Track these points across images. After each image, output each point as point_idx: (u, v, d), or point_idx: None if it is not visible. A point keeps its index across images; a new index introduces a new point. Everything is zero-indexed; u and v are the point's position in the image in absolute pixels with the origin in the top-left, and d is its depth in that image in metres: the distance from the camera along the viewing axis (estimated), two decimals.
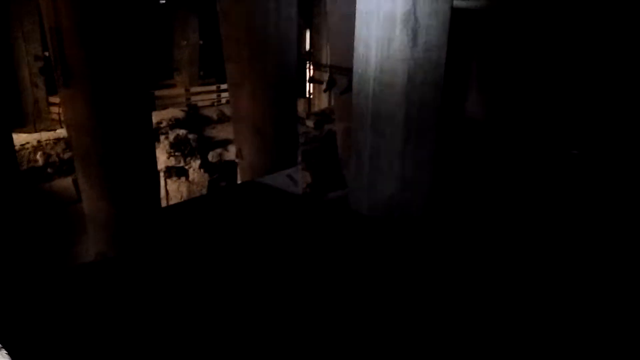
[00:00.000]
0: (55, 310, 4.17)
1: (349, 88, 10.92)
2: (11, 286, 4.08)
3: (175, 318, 3.85)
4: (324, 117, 16.30)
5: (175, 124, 13.74)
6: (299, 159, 11.47)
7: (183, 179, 12.66)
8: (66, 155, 12.01)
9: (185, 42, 21.13)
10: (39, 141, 12.24)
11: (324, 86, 14.12)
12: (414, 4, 4.77)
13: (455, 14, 5.31)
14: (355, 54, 5.49)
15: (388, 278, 4.36)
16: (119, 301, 4.09)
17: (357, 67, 5.42)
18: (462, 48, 10.64)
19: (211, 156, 13.04)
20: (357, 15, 5.30)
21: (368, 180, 5.32)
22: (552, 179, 10.08)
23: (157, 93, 18.28)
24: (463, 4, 5.13)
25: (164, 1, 21.31)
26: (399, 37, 4.88)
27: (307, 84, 20.23)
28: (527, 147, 11.44)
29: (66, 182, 12.10)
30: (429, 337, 3.91)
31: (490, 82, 12.26)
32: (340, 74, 11.95)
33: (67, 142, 11.70)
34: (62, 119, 13.59)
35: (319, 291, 4.17)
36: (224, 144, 13.43)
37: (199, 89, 20.61)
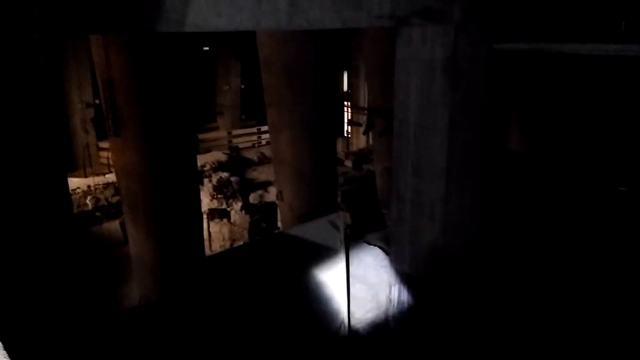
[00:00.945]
0: (97, 351, 4.25)
1: (387, 130, 11.01)
2: (62, 327, 4.20)
3: None
4: (362, 157, 16.37)
5: (218, 166, 14.09)
6: (339, 200, 11.49)
7: (225, 220, 12.86)
8: (114, 200, 12.46)
9: (227, 87, 21.85)
10: (89, 186, 12.76)
11: (362, 128, 14.26)
12: (454, 50, 4.81)
13: (495, 56, 5.32)
14: (395, 98, 5.54)
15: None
16: (157, 346, 4.13)
17: (397, 111, 5.45)
18: (503, 88, 10.57)
19: (252, 198, 13.24)
20: (396, 62, 5.38)
21: (410, 224, 5.26)
22: (599, 216, 9.71)
23: (201, 136, 18.85)
24: (503, 47, 5.13)
25: (207, 48, 22.23)
26: (440, 83, 4.91)
27: (345, 125, 20.46)
28: (573, 183, 11.11)
29: (114, 226, 12.50)
30: None
31: (530, 116, 12.09)
32: (378, 116, 12.05)
33: (115, 186, 12.15)
34: (111, 163, 14.15)
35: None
36: (265, 185, 13.63)
37: (240, 131, 21.15)
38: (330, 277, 5.14)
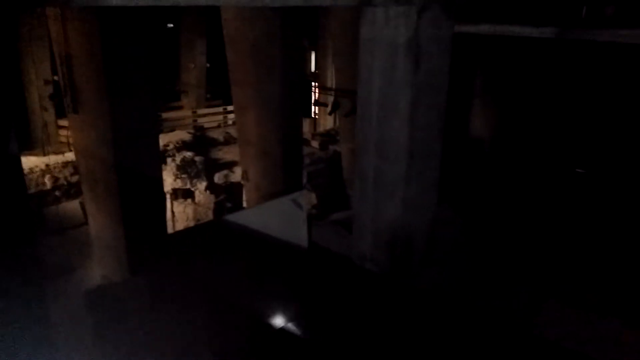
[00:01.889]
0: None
1: (353, 110, 11.04)
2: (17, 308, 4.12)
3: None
4: (329, 137, 16.40)
5: (182, 146, 13.88)
6: (305, 180, 11.52)
7: (189, 200, 12.72)
8: (74, 179, 12.13)
9: (192, 65, 21.41)
10: (47, 164, 12.39)
11: (328, 108, 14.25)
12: (417, 31, 4.85)
13: (457, 38, 5.39)
14: (359, 78, 5.56)
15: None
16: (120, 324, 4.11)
17: (361, 91, 5.48)
18: (465, 72, 10.73)
19: (217, 178, 13.12)
20: (360, 41, 5.39)
21: (373, 204, 5.34)
22: (557, 197, 10.08)
23: (165, 115, 18.47)
24: (465, 29, 5.20)
25: (171, 25, 21.67)
26: (402, 63, 4.95)
27: (312, 106, 20.39)
28: (531, 166, 11.45)
29: (73, 205, 12.20)
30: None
31: (493, 103, 12.33)
32: (345, 97, 12.07)
33: (74, 165, 11.83)
34: (70, 142, 13.75)
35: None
36: (230, 165, 13.52)
37: (205, 111, 20.81)
38: (290, 256, 5.18)
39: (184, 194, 12.71)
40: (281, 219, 4.98)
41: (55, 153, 14.13)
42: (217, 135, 16.23)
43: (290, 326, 4.78)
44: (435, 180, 5.38)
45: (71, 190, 12.33)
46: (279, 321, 4.87)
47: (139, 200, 7.38)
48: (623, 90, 11.24)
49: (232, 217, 4.68)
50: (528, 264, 6.73)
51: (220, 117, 20.29)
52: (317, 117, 21.69)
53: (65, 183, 12.39)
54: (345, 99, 12.01)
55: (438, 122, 5.30)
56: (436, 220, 5.50)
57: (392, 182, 5.23)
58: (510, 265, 6.42)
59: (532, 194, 10.01)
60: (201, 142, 14.81)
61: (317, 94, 19.87)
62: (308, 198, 11.64)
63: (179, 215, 12.78)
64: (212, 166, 13.34)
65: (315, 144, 15.79)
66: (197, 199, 12.75)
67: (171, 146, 13.72)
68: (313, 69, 22.88)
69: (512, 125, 12.29)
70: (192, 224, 12.49)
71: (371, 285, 4.71)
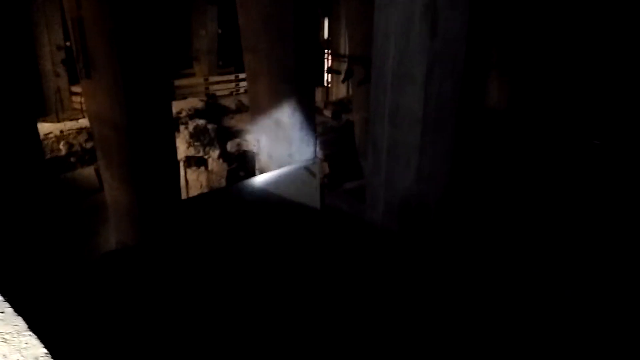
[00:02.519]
0: (76, 298, 4.29)
1: (367, 79, 10.90)
2: (36, 275, 4.21)
3: (182, 312, 3.92)
4: (342, 106, 16.27)
5: (194, 113, 13.86)
6: (317, 149, 11.48)
7: (202, 168, 12.79)
8: (89, 145, 12.22)
9: (203, 32, 21.21)
10: (61, 131, 12.47)
11: (342, 76, 14.08)
12: None
13: (476, 3, 5.24)
14: (373, 45, 5.46)
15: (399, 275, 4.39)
16: (135, 291, 4.19)
17: (375, 58, 5.39)
18: (483, 39, 10.50)
19: (230, 146, 13.14)
20: (375, 5, 5.27)
21: (385, 172, 5.32)
22: (573, 169, 9.95)
23: (177, 83, 18.42)
24: None
25: None
26: (418, 29, 4.84)
27: (325, 74, 20.16)
28: (548, 137, 11.29)
29: (88, 172, 12.33)
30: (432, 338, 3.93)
31: (510, 72, 12.10)
32: (359, 64, 11.90)
33: (89, 132, 11.90)
34: (84, 108, 13.79)
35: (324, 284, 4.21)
36: (243, 134, 13.51)
37: (217, 78, 20.71)
38: (303, 222, 5.20)
39: (197, 162, 12.78)
40: (294, 185, 4.98)
41: (70, 119, 14.22)
42: (230, 103, 16.17)
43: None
44: (450, 151, 5.33)
45: (86, 157, 12.45)
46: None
47: (152, 167, 7.42)
48: None
49: (245, 184, 4.69)
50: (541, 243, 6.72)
51: (233, 84, 20.19)
52: (330, 85, 21.48)
53: (79, 149, 12.49)
54: (358, 67, 11.85)
55: (454, 91, 5.21)
56: (449, 190, 5.47)
57: (405, 152, 5.19)
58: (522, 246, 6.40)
59: (547, 166, 9.89)
60: (213, 109, 14.77)
61: (330, 62, 19.62)
62: (320, 167, 11.64)
63: (193, 183, 12.87)
64: (224, 134, 13.34)
65: (327, 112, 15.68)
66: (210, 167, 12.81)
67: (184, 114, 13.71)
68: (326, 35, 22.54)
69: (529, 97, 12.07)
70: (205, 191, 12.60)
71: (382, 248, 4.74)
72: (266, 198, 4.90)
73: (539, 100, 12.04)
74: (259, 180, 5.39)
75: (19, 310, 1.50)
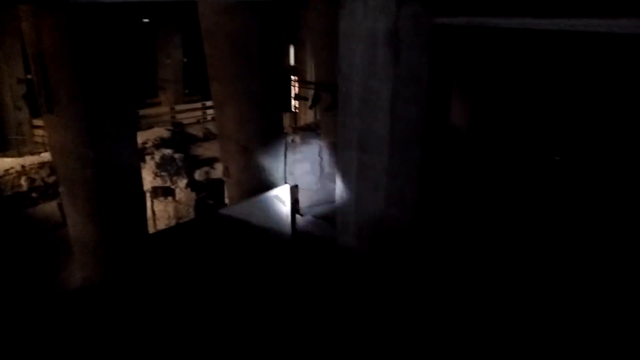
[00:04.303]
0: (39, 336, 4.11)
1: (334, 105, 10.99)
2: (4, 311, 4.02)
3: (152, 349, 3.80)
4: (310, 131, 16.34)
5: (160, 143, 13.67)
6: (287, 174, 11.45)
7: (170, 198, 12.57)
8: (51, 179, 11.88)
9: (168, 60, 21.13)
10: (23, 166, 12.09)
11: (309, 102, 14.18)
12: (396, 22, 4.83)
13: (436, 30, 5.38)
14: (339, 72, 5.53)
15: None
16: (102, 327, 4.04)
17: (342, 85, 5.45)
18: (445, 63, 10.75)
19: (198, 175, 12.98)
20: (339, 34, 5.35)
21: (355, 197, 5.33)
22: (536, 185, 10.21)
23: (142, 112, 18.21)
24: (444, 21, 5.19)
25: (147, 20, 21.34)
26: (382, 56, 4.93)
27: (293, 100, 20.30)
28: (511, 155, 11.58)
29: (51, 207, 11.96)
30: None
31: (472, 93, 12.42)
32: (325, 90, 12.01)
33: (51, 166, 11.58)
34: (46, 142, 13.45)
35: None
36: (211, 162, 13.37)
37: (184, 106, 20.58)
38: (276, 252, 5.15)
39: (164, 192, 12.56)
40: (264, 214, 4.94)
41: (31, 153, 13.83)
42: (197, 131, 16.03)
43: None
44: (418, 173, 5.39)
45: (48, 191, 12.08)
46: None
47: (118, 200, 7.26)
48: (600, 77, 11.41)
49: (214, 215, 4.61)
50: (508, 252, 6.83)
51: (199, 112, 20.09)
52: (297, 111, 21.61)
53: (42, 184, 12.12)
54: (325, 93, 11.96)
55: (419, 115, 5.30)
56: (419, 211, 5.52)
57: (374, 176, 5.22)
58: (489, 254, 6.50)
59: (510, 181, 10.13)
60: (180, 138, 14.61)
61: (297, 88, 19.78)
62: (291, 193, 11.59)
63: (160, 214, 12.62)
64: (192, 163, 13.19)
65: (296, 138, 15.71)
66: (177, 197, 12.60)
67: (150, 144, 13.50)
68: (292, 62, 22.78)
69: (491, 116, 12.39)
70: (173, 222, 12.36)
71: (356, 271, 4.71)
72: (236, 228, 4.83)
73: (501, 120, 12.37)
74: (227, 211, 5.32)
75: None
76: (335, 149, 7.49)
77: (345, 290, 5.00)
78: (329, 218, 6.31)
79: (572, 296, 4.98)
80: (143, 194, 8.05)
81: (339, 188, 5.68)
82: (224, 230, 4.74)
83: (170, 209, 12.53)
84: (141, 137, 13.13)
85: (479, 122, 12.55)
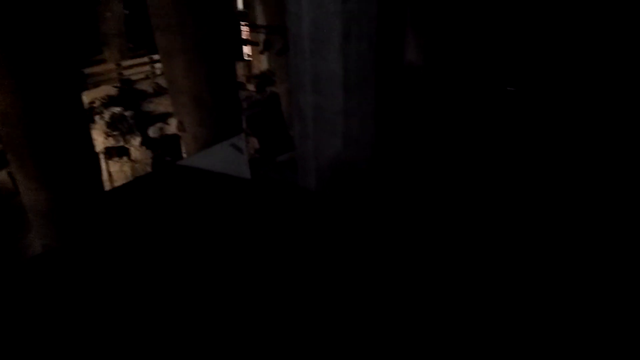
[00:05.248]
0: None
1: (285, 48, 10.72)
2: None
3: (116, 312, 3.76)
4: (265, 79, 16.02)
5: (109, 101, 13.14)
6: (244, 125, 11.26)
7: (125, 158, 12.22)
8: None
9: (109, 14, 19.98)
10: None
11: (260, 48, 13.80)
12: None
13: None
14: (287, 13, 5.33)
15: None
16: (64, 295, 3.95)
17: (291, 26, 5.27)
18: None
19: (152, 132, 12.61)
20: None
21: (313, 141, 5.28)
22: (488, 117, 10.39)
23: (88, 71, 17.36)
24: None
25: None
26: None
27: (244, 47, 19.69)
28: (464, 87, 11.68)
29: (1, 176, 11.47)
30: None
31: (425, 30, 12.32)
32: (276, 34, 11.68)
33: None
34: None
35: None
36: (164, 117, 12.99)
37: (130, 62, 19.67)
38: (236, 200, 5.09)
39: (118, 152, 12.18)
40: (222, 164, 4.84)
41: None
42: (146, 87, 15.47)
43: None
44: (374, 112, 5.36)
45: None
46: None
47: (67, 163, 6.98)
48: (550, 5, 11.47)
49: (170, 168, 4.48)
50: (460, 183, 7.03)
51: (147, 67, 19.26)
52: (251, 59, 21.01)
53: None
54: (276, 37, 11.64)
55: (371, 52, 5.21)
56: (378, 150, 5.53)
57: (331, 118, 5.16)
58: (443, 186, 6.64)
59: (465, 114, 10.25)
60: (130, 95, 14.07)
61: (247, 34, 19.14)
62: (249, 142, 11.47)
63: (117, 175, 12.30)
64: (144, 120, 12.78)
65: (251, 87, 15.40)
66: (133, 156, 12.26)
67: (97, 103, 12.96)
68: (240, 7, 21.94)
69: (445, 52, 12.38)
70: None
71: (318, 213, 4.74)
72: (194, 180, 4.74)
73: (453, 54, 12.38)
74: (184, 162, 5.19)
75: None
76: (291, 95, 7.36)
77: (307, 230, 5.04)
78: (289, 164, 6.26)
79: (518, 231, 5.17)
80: (95, 154, 7.76)
81: (297, 132, 5.61)
82: (182, 182, 4.64)
83: (127, 168, 12.21)
84: (88, 97, 12.60)
85: (433, 58, 12.54)
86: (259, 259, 4.09)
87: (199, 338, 3.44)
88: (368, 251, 4.32)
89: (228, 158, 4.96)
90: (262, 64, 20.15)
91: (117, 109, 12.44)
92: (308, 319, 3.61)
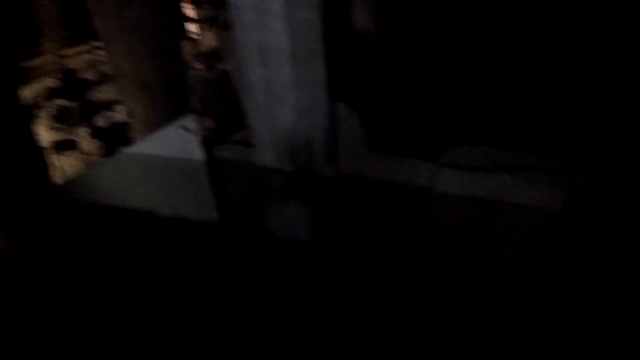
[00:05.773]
0: None
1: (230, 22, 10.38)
2: None
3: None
4: (214, 57, 15.57)
5: (52, 94, 12.56)
6: (196, 105, 10.97)
7: (76, 151, 11.76)
8: None
9: (44, 2, 18.94)
10: None
11: (204, 24, 13.38)
12: None
13: None
14: None
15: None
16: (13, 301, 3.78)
17: None
18: None
19: (100, 121, 12.16)
20: None
21: (266, 115, 5.16)
22: (440, 76, 10.44)
23: (26, 64, 16.58)
24: None
25: None
26: None
27: (188, 23, 19.05)
28: (414, 49, 11.68)
29: None
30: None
31: None
32: (221, 8, 11.32)
33: None
34: None
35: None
36: (112, 105, 12.54)
37: (70, 51, 18.81)
38: (189, 179, 4.97)
39: (67, 145, 11.70)
40: (173, 147, 4.69)
41: None
42: (90, 75, 14.83)
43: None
44: (325, 81, 5.26)
45: None
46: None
47: (8, 161, 6.61)
48: None
49: (118, 156, 4.31)
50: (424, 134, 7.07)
51: (89, 55, 18.45)
52: (198, 36, 20.35)
53: None
54: (221, 11, 11.27)
55: (317, 20, 5.08)
56: (333, 119, 5.46)
57: (281, 89, 5.04)
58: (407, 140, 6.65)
59: (418, 74, 10.26)
60: (73, 86, 13.47)
61: (192, 11, 18.51)
62: (203, 123, 11.20)
63: (70, 169, 11.83)
64: (91, 110, 12.29)
65: (199, 65, 14.95)
66: (84, 148, 11.81)
67: (40, 96, 12.36)
68: None
69: (394, 12, 12.28)
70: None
71: (277, 187, 4.66)
72: (146, 165, 4.57)
73: (404, 17, 12.32)
74: (132, 149, 4.99)
75: None
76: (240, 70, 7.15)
77: (268, 202, 4.96)
78: (245, 142, 6.12)
79: None
80: (39, 150, 7.38)
81: (249, 108, 5.48)
82: (134, 169, 4.47)
83: (79, 161, 11.76)
84: (28, 91, 11.99)
85: (383, 23, 12.44)
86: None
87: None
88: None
89: (177, 140, 4.79)
90: (210, 40, 19.58)
91: (61, 101, 11.90)
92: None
